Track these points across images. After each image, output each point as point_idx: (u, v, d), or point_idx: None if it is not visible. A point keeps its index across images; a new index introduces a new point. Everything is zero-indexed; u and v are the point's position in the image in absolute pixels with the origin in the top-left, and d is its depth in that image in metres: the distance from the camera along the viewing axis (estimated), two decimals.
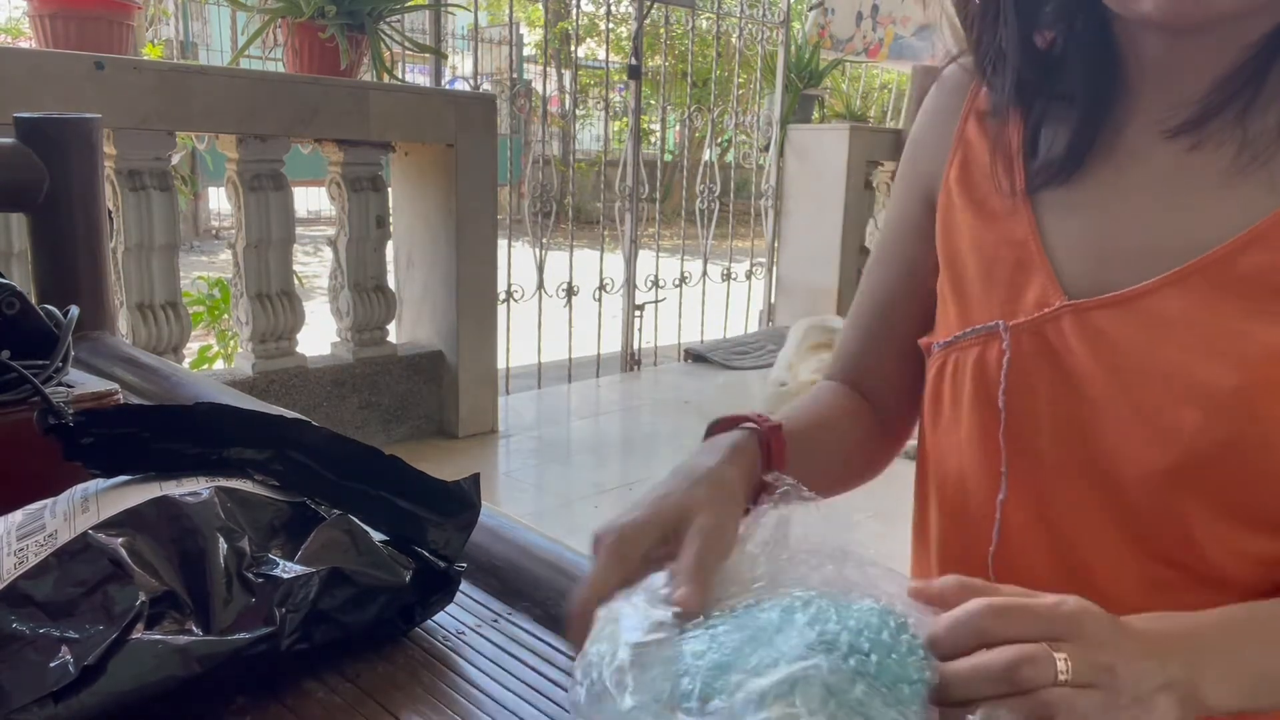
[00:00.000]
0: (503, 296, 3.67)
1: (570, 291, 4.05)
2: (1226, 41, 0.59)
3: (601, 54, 6.63)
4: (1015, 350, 0.64)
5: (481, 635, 0.55)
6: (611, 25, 4.84)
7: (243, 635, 0.46)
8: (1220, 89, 0.59)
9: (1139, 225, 0.62)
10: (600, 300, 4.24)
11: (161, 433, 0.56)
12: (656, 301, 4.56)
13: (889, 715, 0.37)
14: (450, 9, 3.62)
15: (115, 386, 0.72)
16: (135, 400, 0.86)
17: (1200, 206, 0.60)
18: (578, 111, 5.56)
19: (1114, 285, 0.61)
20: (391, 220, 3.30)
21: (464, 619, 0.56)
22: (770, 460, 0.63)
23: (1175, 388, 0.57)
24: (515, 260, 3.83)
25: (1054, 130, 0.67)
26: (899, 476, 0.82)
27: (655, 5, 4.29)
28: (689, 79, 6.62)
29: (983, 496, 0.68)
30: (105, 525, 0.49)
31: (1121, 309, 0.60)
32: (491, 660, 0.53)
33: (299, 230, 3.34)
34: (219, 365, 3.43)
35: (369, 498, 0.56)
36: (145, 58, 3.04)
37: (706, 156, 4.90)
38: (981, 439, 0.67)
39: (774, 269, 5.13)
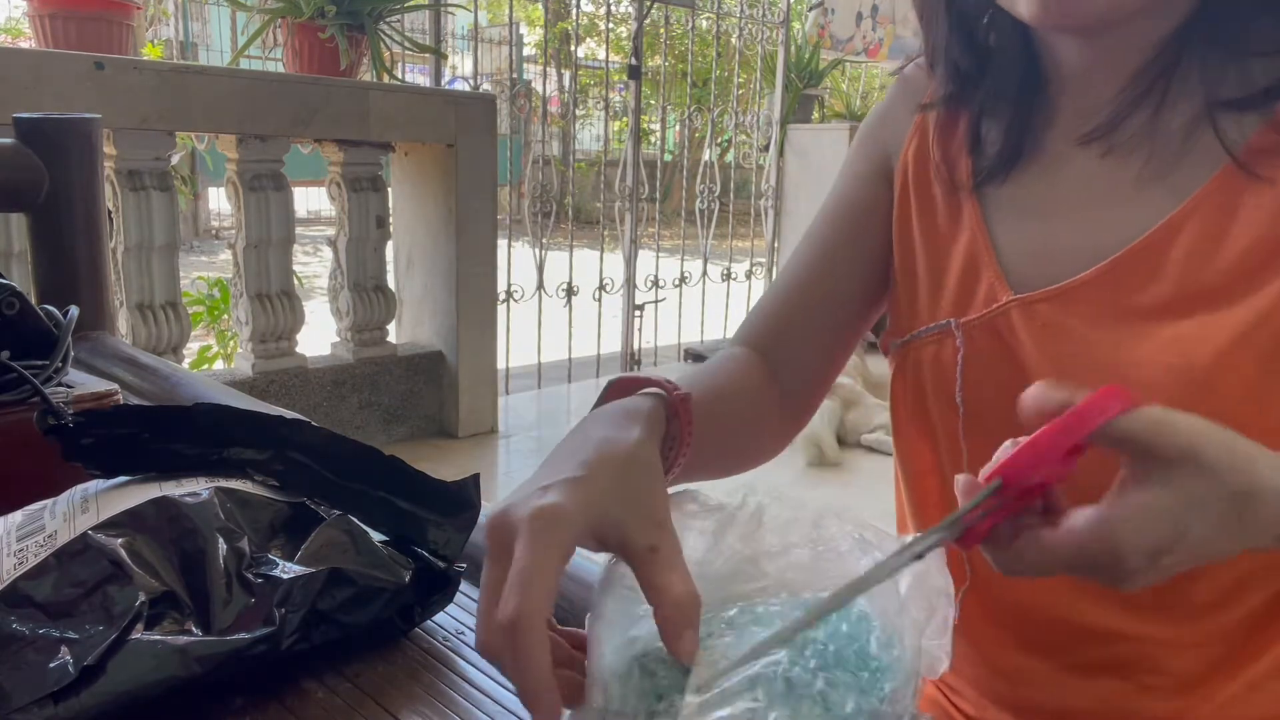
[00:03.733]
0: (503, 296, 3.67)
1: (570, 291, 4.04)
2: (1129, 46, 0.59)
3: (601, 54, 6.63)
4: (969, 347, 0.66)
5: None
6: (611, 25, 4.84)
7: (242, 635, 0.46)
8: (1124, 95, 0.60)
9: (1071, 225, 0.64)
10: (600, 300, 4.23)
11: (161, 433, 0.56)
12: (656, 301, 4.56)
13: (850, 701, 0.38)
14: (450, 9, 3.62)
15: (115, 386, 0.72)
16: (135, 400, 0.86)
17: (1117, 210, 0.61)
18: (578, 111, 5.55)
19: (1055, 279, 0.63)
20: (391, 220, 3.30)
21: (464, 619, 0.56)
22: (678, 432, 0.56)
23: (1113, 371, 0.59)
24: (515, 260, 3.83)
25: (991, 127, 0.68)
26: (892, 480, 0.82)
27: (655, 5, 4.29)
28: (689, 79, 6.61)
29: (948, 491, 0.69)
30: (105, 525, 0.49)
31: (1061, 300, 0.62)
32: None
33: (299, 230, 3.34)
34: (219, 365, 3.43)
35: (369, 498, 0.56)
36: (145, 58, 3.04)
37: (706, 156, 4.90)
38: (944, 434, 0.69)
39: (774, 269, 5.13)
